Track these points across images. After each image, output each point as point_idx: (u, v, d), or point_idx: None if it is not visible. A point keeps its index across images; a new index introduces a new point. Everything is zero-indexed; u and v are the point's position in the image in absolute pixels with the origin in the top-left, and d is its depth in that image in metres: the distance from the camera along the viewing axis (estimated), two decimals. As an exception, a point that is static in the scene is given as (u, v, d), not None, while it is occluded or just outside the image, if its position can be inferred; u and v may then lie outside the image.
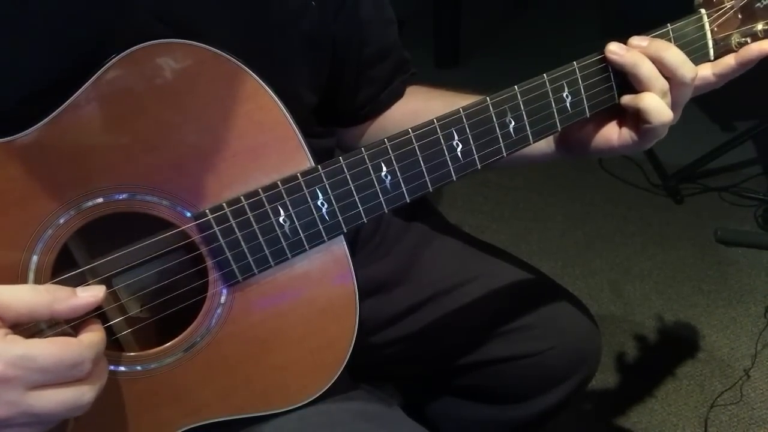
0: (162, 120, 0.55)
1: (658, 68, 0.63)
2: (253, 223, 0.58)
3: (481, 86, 0.70)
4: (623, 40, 0.64)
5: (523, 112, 0.63)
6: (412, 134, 0.60)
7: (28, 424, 0.48)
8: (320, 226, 0.60)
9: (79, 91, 0.52)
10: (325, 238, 0.60)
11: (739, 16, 0.66)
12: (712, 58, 0.67)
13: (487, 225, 1.99)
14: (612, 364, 1.54)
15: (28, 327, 0.51)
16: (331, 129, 0.83)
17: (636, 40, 0.64)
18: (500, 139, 0.63)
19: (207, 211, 0.57)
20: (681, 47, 0.65)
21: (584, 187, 2.11)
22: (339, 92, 0.79)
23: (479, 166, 0.63)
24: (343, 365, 0.64)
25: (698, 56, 0.66)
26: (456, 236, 0.92)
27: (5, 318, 0.48)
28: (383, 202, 0.61)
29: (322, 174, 0.59)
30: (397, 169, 0.60)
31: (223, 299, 0.60)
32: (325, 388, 0.65)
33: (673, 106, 0.64)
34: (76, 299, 0.51)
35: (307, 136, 0.60)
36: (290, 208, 0.58)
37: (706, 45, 0.67)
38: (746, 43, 0.66)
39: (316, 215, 0.59)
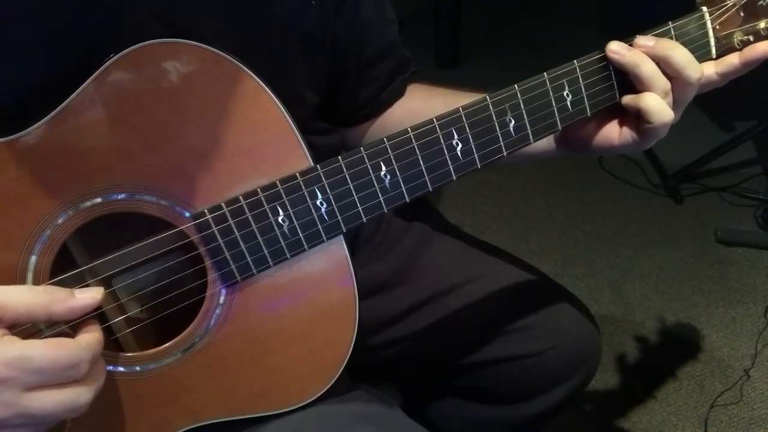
0: (161, 120, 0.55)
1: (664, 68, 0.63)
2: (252, 223, 0.58)
3: (482, 86, 0.70)
4: (624, 39, 0.64)
5: (524, 111, 0.63)
6: (411, 133, 0.60)
7: (24, 425, 0.48)
8: (319, 226, 0.59)
9: (78, 90, 0.52)
10: (324, 238, 0.60)
11: (741, 14, 0.66)
12: (715, 56, 0.67)
13: (487, 225, 1.98)
14: (612, 364, 1.54)
15: (25, 327, 0.51)
16: (333, 126, 0.83)
17: (642, 40, 0.63)
18: (500, 138, 0.63)
19: (205, 210, 0.57)
20: (683, 45, 0.64)
21: (584, 187, 2.11)
22: (339, 92, 0.79)
23: (479, 166, 0.63)
24: (343, 366, 0.64)
25: (700, 54, 0.66)
26: (456, 236, 0.92)
27: (3, 319, 0.48)
28: (382, 202, 0.61)
29: (321, 174, 0.58)
30: (396, 168, 0.60)
31: (222, 299, 0.60)
32: (325, 389, 0.64)
33: (675, 106, 0.64)
34: (74, 300, 0.50)
35: (312, 133, 0.59)
36: (289, 207, 0.58)
37: (708, 43, 0.67)
38: (749, 41, 0.65)
39: (315, 215, 0.59)
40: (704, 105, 2.28)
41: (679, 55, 0.62)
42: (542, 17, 3.14)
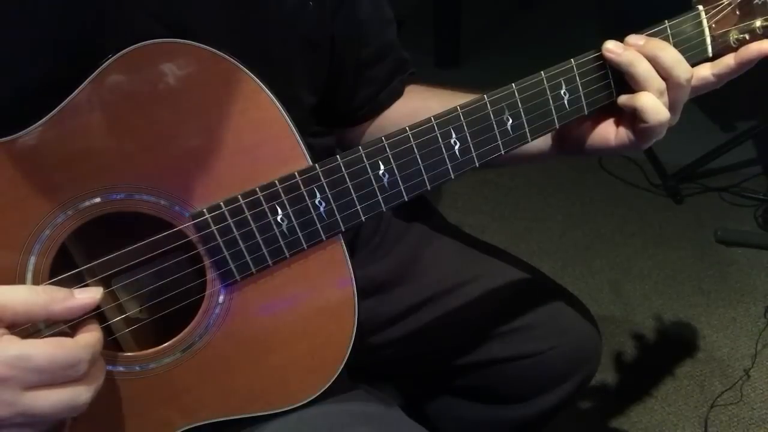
0: (159, 120, 0.55)
1: (655, 67, 0.63)
2: (251, 222, 0.58)
3: (482, 86, 0.70)
4: (621, 38, 0.64)
5: (521, 110, 0.63)
6: (409, 132, 0.60)
7: (24, 425, 0.48)
8: (318, 225, 0.60)
9: (77, 91, 0.52)
10: (323, 237, 0.60)
11: (737, 12, 0.66)
12: (711, 55, 0.67)
13: (487, 225, 1.98)
14: (612, 364, 1.54)
15: (25, 327, 0.51)
16: (330, 128, 0.83)
17: (633, 39, 0.64)
18: (498, 137, 0.63)
19: (204, 210, 0.57)
20: (679, 44, 0.64)
21: (584, 187, 2.11)
22: (338, 92, 0.79)
23: (477, 164, 0.63)
24: (343, 364, 0.64)
25: (696, 53, 0.66)
26: (456, 236, 0.92)
27: (2, 318, 0.48)
28: (381, 201, 0.61)
29: (320, 173, 0.58)
30: (394, 167, 0.60)
31: (221, 299, 0.60)
32: (325, 388, 0.64)
33: (671, 107, 0.64)
34: (73, 300, 0.50)
35: (309, 135, 0.60)
36: (288, 206, 0.58)
37: (704, 42, 0.67)
38: (744, 39, 0.65)
39: (313, 214, 0.59)
40: (704, 105, 2.28)
41: (668, 55, 0.62)
42: (542, 17, 3.14)
